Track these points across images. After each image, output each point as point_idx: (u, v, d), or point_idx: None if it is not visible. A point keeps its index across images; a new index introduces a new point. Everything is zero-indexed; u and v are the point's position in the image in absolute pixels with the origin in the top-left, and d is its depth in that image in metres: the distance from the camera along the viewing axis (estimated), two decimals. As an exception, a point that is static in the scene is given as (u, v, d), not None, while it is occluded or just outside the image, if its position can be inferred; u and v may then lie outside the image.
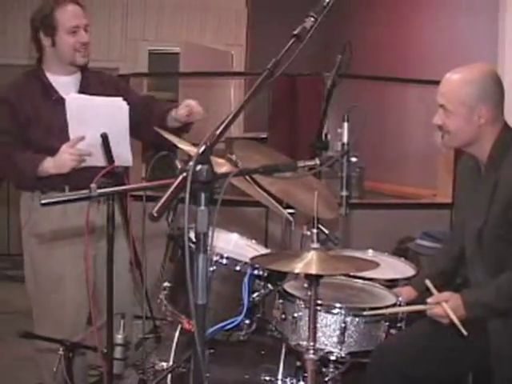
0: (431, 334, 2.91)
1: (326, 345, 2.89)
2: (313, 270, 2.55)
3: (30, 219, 3.56)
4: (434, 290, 2.91)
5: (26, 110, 3.44)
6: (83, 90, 3.56)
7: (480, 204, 2.95)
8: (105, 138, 3.13)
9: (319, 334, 2.86)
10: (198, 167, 1.82)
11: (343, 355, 2.88)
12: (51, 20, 3.42)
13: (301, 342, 2.88)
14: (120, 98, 3.38)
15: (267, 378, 2.99)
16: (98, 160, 3.28)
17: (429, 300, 2.89)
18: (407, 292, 3.27)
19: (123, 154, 3.37)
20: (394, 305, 3.00)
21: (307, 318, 2.71)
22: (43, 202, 2.02)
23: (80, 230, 3.04)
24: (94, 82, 3.62)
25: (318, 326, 2.84)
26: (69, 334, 3.34)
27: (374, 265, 2.79)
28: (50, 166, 3.32)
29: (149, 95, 3.81)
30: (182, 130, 3.61)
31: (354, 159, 2.79)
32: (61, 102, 3.42)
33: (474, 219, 2.99)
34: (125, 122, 3.35)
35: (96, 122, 3.29)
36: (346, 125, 2.92)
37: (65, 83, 3.54)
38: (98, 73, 3.75)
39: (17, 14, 9.49)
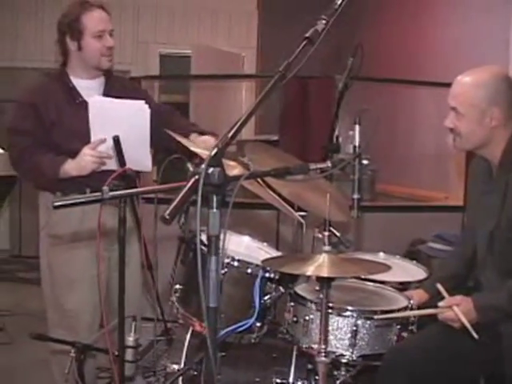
0: (443, 338, 2.90)
1: (338, 348, 2.88)
2: (324, 273, 2.55)
3: (49, 220, 3.59)
4: (445, 294, 2.90)
5: (50, 112, 3.47)
6: (106, 94, 3.58)
7: (491, 206, 2.94)
8: (116, 140, 3.14)
9: (331, 336, 2.86)
10: (210, 170, 1.82)
11: (355, 358, 2.87)
12: (78, 24, 3.47)
13: (312, 345, 2.88)
14: (143, 102, 3.40)
15: (278, 381, 2.99)
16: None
17: (440, 304, 2.88)
18: (418, 295, 3.26)
19: (142, 158, 3.38)
20: (405, 308, 2.99)
21: (319, 321, 2.71)
22: (56, 204, 2.03)
23: (96, 232, 3.05)
24: (116, 87, 3.65)
25: (330, 328, 2.83)
26: (83, 335, 3.35)
27: (386, 267, 2.79)
28: (71, 167, 3.35)
29: (169, 106, 3.81)
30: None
31: (365, 162, 2.79)
32: (84, 105, 3.45)
33: (485, 222, 2.98)
34: (146, 126, 3.37)
35: (118, 125, 3.32)
36: (357, 127, 2.92)
37: (88, 87, 3.58)
38: (120, 78, 3.81)
39: (28, 18, 9.56)
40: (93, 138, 3.33)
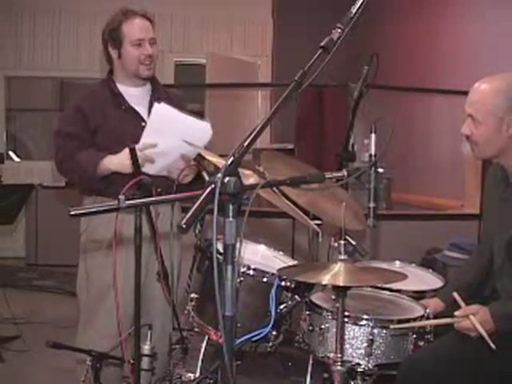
0: (460, 347, 2.87)
1: (354, 357, 2.87)
2: (340, 282, 2.55)
3: (89, 225, 3.62)
4: (461, 303, 2.89)
5: (96, 118, 3.53)
6: (152, 103, 3.60)
7: (509, 214, 2.93)
8: (132, 150, 3.14)
9: (346, 345, 2.85)
10: (226, 179, 1.82)
11: (371, 367, 2.86)
12: (118, 33, 3.55)
13: (328, 354, 2.87)
14: (208, 124, 3.45)
15: (294, 390, 2.99)
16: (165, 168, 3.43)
17: (456, 313, 2.87)
18: (435, 304, 3.25)
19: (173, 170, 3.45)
20: (421, 317, 2.98)
21: (334, 330, 2.71)
22: (72, 213, 2.04)
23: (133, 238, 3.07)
24: (163, 97, 3.68)
25: (346, 337, 2.83)
26: (113, 343, 3.35)
27: (402, 276, 2.78)
28: (111, 162, 3.41)
29: None
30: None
31: (381, 170, 2.78)
32: (131, 111, 3.59)
33: (503, 230, 2.97)
34: (200, 146, 3.38)
35: (173, 136, 3.35)
36: (373, 136, 2.91)
37: (135, 95, 3.66)
38: (167, 90, 3.88)
39: (45, 28, 9.63)
40: (143, 140, 3.36)
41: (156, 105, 3.41)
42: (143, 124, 3.56)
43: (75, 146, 3.50)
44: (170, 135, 3.37)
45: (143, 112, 3.63)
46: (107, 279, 3.44)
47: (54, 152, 3.58)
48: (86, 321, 3.67)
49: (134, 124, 3.56)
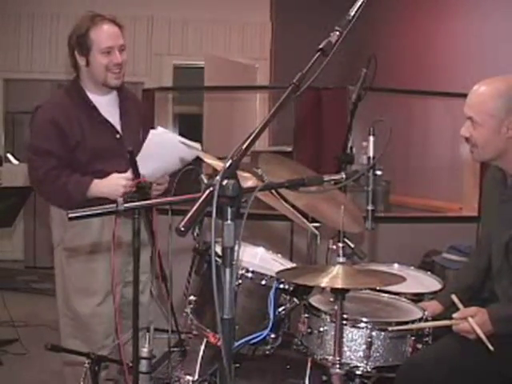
0: (459, 350, 2.87)
1: (352, 359, 2.87)
2: (339, 284, 2.55)
3: (65, 235, 3.57)
4: (460, 305, 2.89)
5: (75, 134, 3.41)
6: (123, 112, 3.59)
7: (507, 216, 2.93)
8: (131, 153, 3.14)
9: (345, 348, 2.85)
10: (225, 182, 1.82)
11: (369, 370, 2.86)
12: (86, 40, 3.41)
13: (327, 357, 2.87)
14: (199, 146, 3.34)
15: (293, 393, 2.99)
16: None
17: (455, 315, 2.87)
18: (433, 306, 3.25)
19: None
20: (420, 319, 2.98)
21: (333, 333, 2.71)
22: (70, 216, 2.04)
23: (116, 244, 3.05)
24: (130, 105, 3.65)
25: (344, 340, 2.83)
26: (96, 347, 3.36)
27: (400, 279, 2.79)
28: (100, 190, 3.34)
29: None
30: None
31: (379, 173, 2.78)
32: (105, 124, 3.49)
33: (501, 232, 2.97)
34: (198, 149, 3.33)
35: (164, 158, 3.35)
36: (371, 138, 2.91)
37: (105, 103, 3.54)
38: (132, 96, 3.79)
39: (43, 31, 9.63)
40: (139, 163, 3.18)
41: (152, 131, 3.32)
42: (117, 136, 3.52)
43: (54, 165, 3.37)
44: (162, 157, 3.34)
45: (116, 123, 3.56)
46: (87, 285, 3.46)
47: (30, 169, 3.45)
48: (66, 327, 3.67)
49: (109, 137, 3.50)
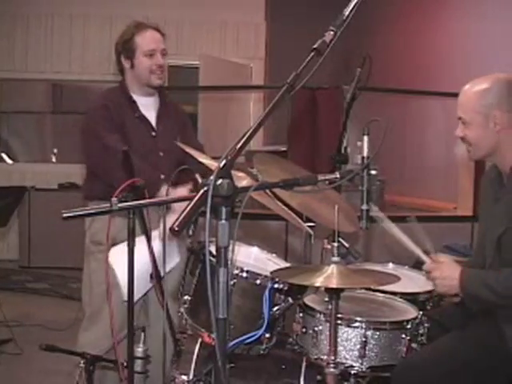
0: (455, 351, 2.88)
1: (347, 359, 2.87)
2: (333, 284, 2.55)
3: (91, 227, 3.72)
4: (424, 258, 3.07)
5: (117, 117, 3.67)
6: (160, 114, 3.82)
7: (501, 213, 2.95)
8: (126, 153, 3.13)
9: (340, 347, 2.85)
10: (219, 181, 1.82)
11: (364, 369, 2.86)
12: (131, 44, 3.72)
13: (321, 356, 2.87)
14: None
15: (288, 392, 2.98)
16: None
17: (424, 267, 3.05)
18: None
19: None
20: (414, 319, 2.98)
21: (328, 332, 2.70)
22: (65, 215, 2.04)
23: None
24: (170, 110, 3.89)
25: (339, 339, 2.83)
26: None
27: (395, 278, 2.79)
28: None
29: (199, 145, 3.85)
30: None
31: (374, 172, 2.78)
32: (143, 119, 3.75)
33: (494, 228, 3.00)
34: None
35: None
36: (365, 138, 2.91)
37: (145, 103, 3.80)
38: (176, 104, 4.03)
39: (38, 31, 9.64)
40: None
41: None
42: (153, 134, 3.75)
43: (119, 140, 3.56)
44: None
45: (152, 121, 3.79)
46: (111, 281, 3.44)
47: (97, 152, 3.61)
48: (90, 320, 3.72)
49: (145, 133, 3.74)
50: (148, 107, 3.80)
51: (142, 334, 3.26)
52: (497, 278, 2.85)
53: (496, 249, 2.97)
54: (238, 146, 1.91)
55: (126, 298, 3.21)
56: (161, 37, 3.80)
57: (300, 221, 3.13)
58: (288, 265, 3.26)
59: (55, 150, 10.33)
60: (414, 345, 2.94)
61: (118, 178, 3.43)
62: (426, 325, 3.01)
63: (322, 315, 2.93)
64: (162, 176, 3.61)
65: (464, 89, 3.02)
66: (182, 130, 3.89)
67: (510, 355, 2.82)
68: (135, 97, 3.78)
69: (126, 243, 3.28)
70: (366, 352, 2.86)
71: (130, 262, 2.93)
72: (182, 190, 3.49)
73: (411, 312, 3.08)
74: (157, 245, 3.29)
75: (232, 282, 2.83)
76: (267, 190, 2.71)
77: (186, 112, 4.23)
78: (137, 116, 3.74)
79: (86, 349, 3.34)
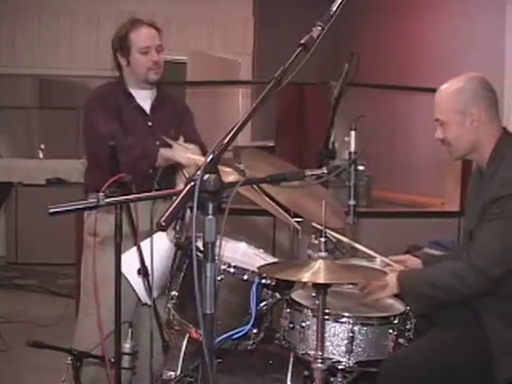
0: (444, 347, 2.91)
1: (334, 354, 2.87)
2: (320, 279, 2.55)
3: (89, 219, 3.72)
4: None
5: (113, 105, 3.72)
6: (155, 105, 3.85)
7: (477, 207, 2.99)
8: (112, 148, 3.12)
9: (327, 343, 2.85)
10: (206, 176, 1.82)
11: (351, 364, 2.86)
12: (126, 42, 3.75)
13: (309, 352, 2.87)
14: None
15: (275, 388, 2.99)
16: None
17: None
18: (416, 263, 3.37)
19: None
20: (401, 314, 2.99)
21: (315, 328, 2.71)
22: (51, 211, 2.03)
23: (126, 235, 3.08)
24: (167, 102, 3.93)
25: (326, 335, 2.83)
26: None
27: (382, 274, 2.80)
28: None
29: (202, 144, 3.85)
30: None
31: (361, 168, 2.79)
32: (139, 109, 3.80)
33: (469, 222, 3.06)
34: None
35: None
36: (353, 133, 2.92)
37: (142, 96, 3.84)
38: (174, 97, 4.09)
39: (25, 26, 9.58)
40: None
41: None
42: (149, 123, 3.79)
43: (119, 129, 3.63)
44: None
45: (148, 111, 3.84)
46: (105, 272, 3.44)
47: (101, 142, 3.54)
48: (83, 312, 3.75)
49: (141, 122, 3.77)
50: (144, 99, 3.83)
51: (130, 330, 3.25)
52: (438, 271, 2.99)
53: (468, 242, 3.02)
54: (225, 141, 1.91)
55: (148, 302, 3.25)
56: (156, 33, 3.83)
57: (287, 216, 3.13)
58: (275, 260, 3.27)
59: (42, 146, 10.28)
60: (401, 340, 2.95)
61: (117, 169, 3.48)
62: (412, 320, 3.02)
63: (309, 310, 2.93)
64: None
65: (439, 91, 3.08)
66: (178, 123, 3.91)
67: (489, 348, 2.85)
68: (132, 90, 3.82)
69: (133, 249, 3.31)
70: (353, 347, 2.86)
71: (117, 256, 2.93)
72: (173, 151, 3.54)
73: (398, 307, 3.09)
74: (166, 243, 3.30)
75: (219, 278, 2.82)
76: (254, 186, 2.71)
77: (186, 105, 4.23)
78: (133, 106, 3.78)
79: (82, 342, 3.35)
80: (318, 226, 2.87)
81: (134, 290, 3.34)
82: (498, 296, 2.91)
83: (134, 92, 3.82)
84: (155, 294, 3.31)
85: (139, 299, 3.41)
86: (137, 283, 3.32)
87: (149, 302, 3.28)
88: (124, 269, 3.14)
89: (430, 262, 3.30)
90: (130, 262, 3.25)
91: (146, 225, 3.13)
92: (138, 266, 3.26)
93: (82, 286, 3.84)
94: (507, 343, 2.85)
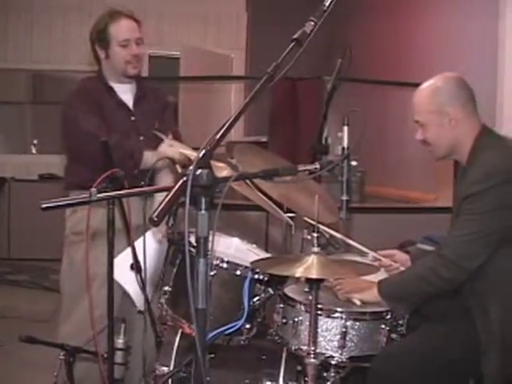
0: (435, 342, 2.91)
1: (327, 349, 2.88)
2: (313, 275, 2.55)
3: (72, 217, 3.69)
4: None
5: (95, 101, 3.66)
6: (138, 98, 3.79)
7: (455, 205, 3.01)
8: (104, 143, 3.11)
9: (320, 338, 2.85)
10: (198, 171, 1.82)
11: (344, 360, 2.87)
12: (105, 34, 3.66)
13: (302, 347, 2.87)
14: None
15: (268, 383, 2.98)
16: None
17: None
18: (404, 258, 3.37)
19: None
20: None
21: (308, 323, 2.71)
22: (43, 206, 2.02)
23: (118, 230, 3.06)
24: (148, 95, 3.85)
25: (319, 330, 2.83)
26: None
27: (375, 269, 2.80)
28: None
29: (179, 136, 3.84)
30: None
31: (354, 163, 2.79)
32: (121, 104, 3.73)
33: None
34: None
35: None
36: (346, 129, 2.93)
37: (123, 90, 3.77)
38: (155, 89, 4.00)
39: (18, 20, 9.55)
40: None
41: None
42: (132, 118, 3.72)
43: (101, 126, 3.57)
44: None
45: (130, 105, 3.77)
46: (91, 271, 3.43)
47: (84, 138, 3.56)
48: (68, 312, 3.69)
49: (124, 116, 3.71)
50: (126, 93, 3.76)
51: (123, 326, 3.25)
52: (410, 273, 3.04)
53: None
54: (218, 136, 1.91)
55: (141, 308, 3.24)
56: (135, 25, 3.73)
57: (280, 211, 3.13)
58: (268, 255, 3.27)
59: (35, 141, 10.25)
60: (393, 335, 2.95)
61: (100, 165, 3.45)
62: (405, 315, 3.02)
63: (302, 306, 2.93)
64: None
65: (415, 92, 3.10)
66: (160, 115, 3.85)
67: (478, 342, 2.86)
68: (112, 84, 3.74)
69: (125, 252, 3.30)
70: (346, 342, 2.87)
71: (110, 253, 2.92)
72: (163, 147, 3.53)
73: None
74: (151, 242, 3.30)
75: (212, 273, 2.83)
76: (247, 181, 2.70)
77: (167, 97, 4.19)
78: (115, 101, 3.72)
79: (67, 340, 3.33)
80: (311, 221, 2.87)
81: (130, 296, 3.33)
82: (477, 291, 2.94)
83: (115, 86, 3.75)
84: (149, 291, 3.31)
85: (135, 305, 3.39)
86: (131, 288, 3.31)
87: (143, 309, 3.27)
88: (117, 275, 3.10)
89: (419, 258, 3.30)
90: (122, 267, 3.23)
91: (137, 220, 3.14)
92: (130, 271, 3.24)
93: (62, 289, 3.78)
94: (493, 338, 2.86)
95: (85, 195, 2.10)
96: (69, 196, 3.61)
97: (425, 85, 3.08)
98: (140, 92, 3.81)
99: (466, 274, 2.87)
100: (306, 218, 3.11)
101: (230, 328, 2.84)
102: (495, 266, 2.88)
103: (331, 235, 3.28)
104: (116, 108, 3.71)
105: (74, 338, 3.41)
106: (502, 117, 5.54)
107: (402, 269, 3.24)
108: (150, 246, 3.31)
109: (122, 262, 3.24)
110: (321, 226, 2.95)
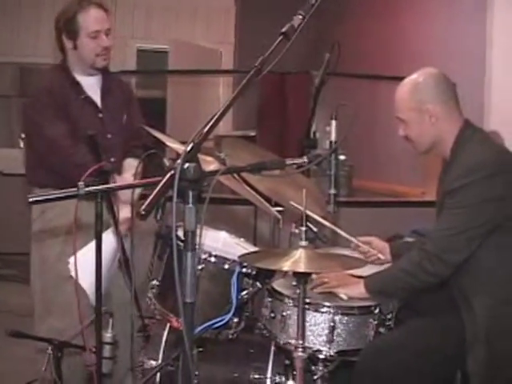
0: (422, 335, 2.93)
1: (315, 343, 2.88)
2: (301, 268, 2.55)
3: (43, 214, 3.60)
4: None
5: (61, 101, 3.52)
6: (105, 92, 3.68)
7: (439, 199, 3.03)
8: (92, 137, 3.10)
9: (308, 332, 2.85)
10: (186, 165, 1.82)
11: (332, 354, 2.87)
12: (74, 24, 3.51)
13: (290, 341, 2.88)
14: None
15: (256, 377, 2.99)
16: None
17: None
18: (382, 245, 3.40)
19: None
20: (379, 304, 3.00)
21: (296, 317, 2.71)
22: (30, 200, 2.02)
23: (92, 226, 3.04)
24: (114, 87, 3.75)
25: (307, 324, 2.83)
26: (72, 332, 3.32)
27: (363, 263, 2.81)
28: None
29: (143, 129, 3.77)
30: None
31: (342, 157, 2.81)
32: (88, 101, 3.61)
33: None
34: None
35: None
36: (333, 123, 2.93)
37: (89, 84, 3.65)
38: (119, 81, 3.91)
39: (5, 13, 9.51)
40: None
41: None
42: (100, 115, 3.63)
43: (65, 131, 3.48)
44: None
45: (97, 101, 3.66)
46: (65, 268, 3.41)
47: (39, 141, 3.54)
48: (43, 311, 3.64)
49: (91, 114, 3.60)
50: (93, 87, 3.65)
51: (110, 320, 3.24)
52: (399, 263, 3.04)
53: None
54: (205, 129, 1.91)
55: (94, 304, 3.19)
56: (105, 15, 3.57)
57: (268, 205, 3.13)
58: (256, 249, 3.27)
59: (23, 135, 10.20)
60: (381, 329, 2.96)
61: (60, 170, 3.42)
62: (393, 310, 3.03)
63: (290, 300, 2.93)
64: (112, 159, 3.52)
65: (397, 88, 3.11)
66: (127, 108, 3.79)
67: (464, 338, 2.87)
68: (78, 77, 3.62)
69: (84, 249, 3.26)
70: (334, 337, 2.87)
71: (98, 246, 2.90)
72: (127, 176, 3.49)
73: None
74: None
75: (200, 267, 2.83)
76: (235, 175, 2.70)
77: (130, 87, 4.14)
78: (82, 98, 3.60)
79: (52, 336, 3.32)
80: (300, 207, 2.86)
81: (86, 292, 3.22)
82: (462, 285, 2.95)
83: (81, 79, 3.62)
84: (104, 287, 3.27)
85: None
86: (85, 283, 3.22)
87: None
88: (73, 270, 3.02)
89: (399, 248, 3.33)
90: (80, 263, 3.15)
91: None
92: (91, 267, 3.18)
93: (33, 287, 3.71)
94: (478, 329, 2.87)
95: (73, 189, 2.09)
96: (35, 193, 3.57)
97: (406, 81, 3.08)
98: (106, 84, 3.71)
99: (449, 267, 2.88)
100: (292, 203, 3.10)
101: (219, 322, 2.84)
102: (479, 263, 2.89)
103: (319, 228, 3.28)
104: (83, 106, 3.59)
105: (59, 333, 3.39)
106: (490, 117, 5.55)
107: (380, 256, 3.30)
108: (108, 243, 3.26)
109: (81, 257, 3.19)
110: (309, 213, 2.94)
